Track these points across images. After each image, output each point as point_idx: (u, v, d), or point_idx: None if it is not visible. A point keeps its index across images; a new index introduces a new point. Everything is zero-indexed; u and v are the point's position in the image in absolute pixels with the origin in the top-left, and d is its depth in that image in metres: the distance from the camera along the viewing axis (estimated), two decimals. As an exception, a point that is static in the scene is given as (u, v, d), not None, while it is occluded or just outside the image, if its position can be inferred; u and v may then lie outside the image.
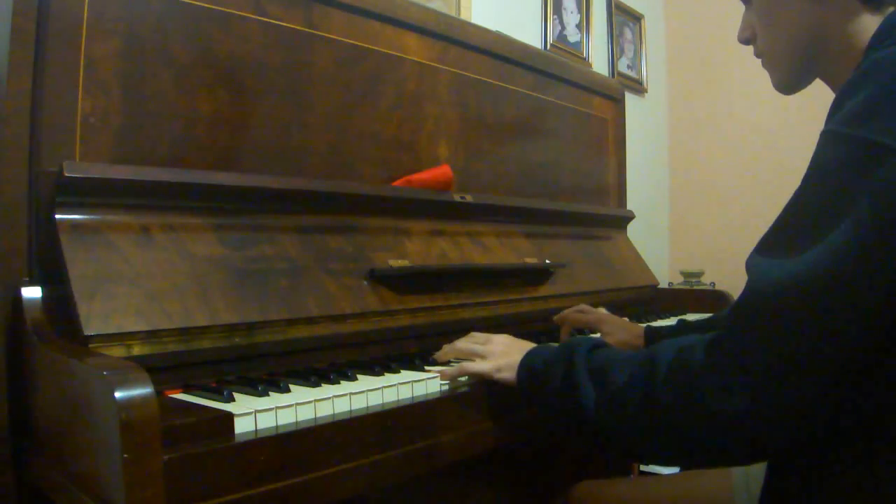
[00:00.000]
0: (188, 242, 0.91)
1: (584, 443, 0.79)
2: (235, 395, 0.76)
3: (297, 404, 0.73)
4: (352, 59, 1.21)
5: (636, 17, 3.08)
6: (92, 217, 0.84)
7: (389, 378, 0.87)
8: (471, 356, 0.93)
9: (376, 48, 1.25)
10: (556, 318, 1.34)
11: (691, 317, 1.44)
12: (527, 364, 0.86)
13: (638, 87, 3.07)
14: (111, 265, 0.82)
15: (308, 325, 0.97)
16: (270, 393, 0.77)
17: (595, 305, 1.37)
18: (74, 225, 0.83)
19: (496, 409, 0.92)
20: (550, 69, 1.68)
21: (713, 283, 2.89)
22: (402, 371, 0.92)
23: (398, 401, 0.83)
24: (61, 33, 0.86)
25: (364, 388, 0.81)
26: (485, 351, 0.92)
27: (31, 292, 0.81)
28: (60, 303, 0.79)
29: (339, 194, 1.12)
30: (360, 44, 1.22)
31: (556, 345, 0.86)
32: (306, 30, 1.14)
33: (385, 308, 1.08)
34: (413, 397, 0.85)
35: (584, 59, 2.68)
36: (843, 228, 0.60)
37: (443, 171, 1.32)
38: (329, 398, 0.76)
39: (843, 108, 0.64)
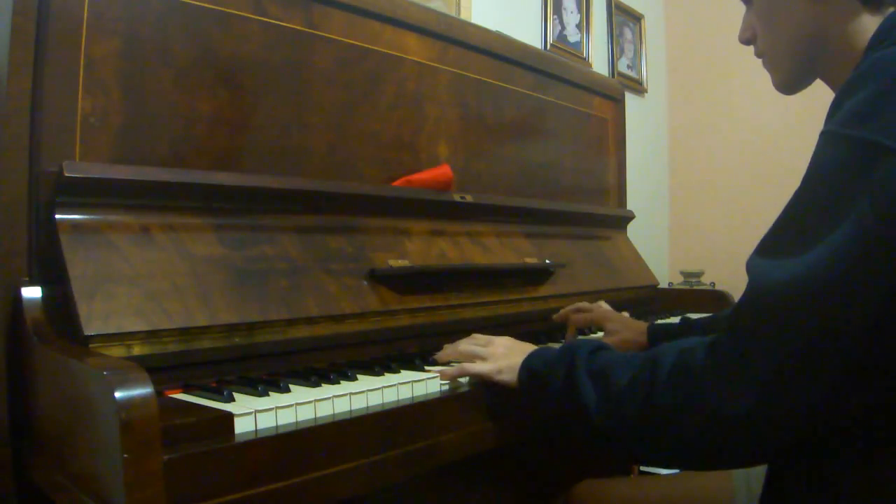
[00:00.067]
0: (188, 242, 0.91)
1: (586, 444, 0.79)
2: (235, 395, 0.76)
3: (297, 404, 0.73)
4: (352, 59, 1.21)
5: (636, 17, 3.08)
6: (92, 217, 0.84)
7: (389, 378, 0.87)
8: (472, 358, 0.93)
9: (376, 48, 1.25)
10: (555, 317, 1.34)
11: (693, 316, 1.44)
12: (528, 366, 0.86)
13: (638, 87, 3.07)
14: (111, 265, 0.82)
15: (308, 325, 0.97)
16: (270, 393, 0.77)
17: (594, 302, 1.37)
18: (74, 225, 0.83)
19: (496, 409, 0.92)
20: (550, 69, 1.68)
21: (713, 283, 2.89)
22: (402, 371, 0.92)
23: (398, 401, 0.83)
24: (61, 33, 0.86)
25: (364, 388, 0.81)
26: (486, 353, 0.92)
27: (31, 292, 0.81)
28: (60, 303, 0.79)
29: (338, 194, 1.12)
30: (360, 44, 1.22)
31: (557, 346, 0.86)
32: (306, 30, 1.14)
33: (385, 308, 1.08)
34: (413, 397, 0.85)
35: (584, 59, 2.68)
36: (843, 229, 0.59)
37: (443, 171, 1.32)
38: (329, 398, 0.76)
39: (842, 109, 0.64)
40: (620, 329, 1.25)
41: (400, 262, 1.13)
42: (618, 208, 1.93)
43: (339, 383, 0.84)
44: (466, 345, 0.97)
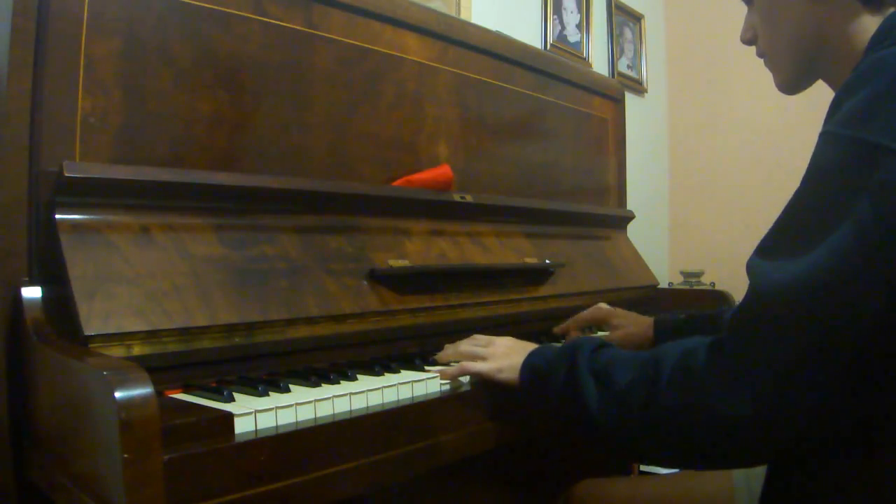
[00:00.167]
0: (188, 242, 0.91)
1: (586, 442, 0.79)
2: (235, 395, 0.76)
3: (297, 404, 0.73)
4: (352, 59, 1.21)
5: (636, 17, 3.08)
6: (92, 217, 0.84)
7: (389, 378, 0.87)
8: (472, 357, 0.93)
9: (376, 48, 1.25)
10: (556, 330, 1.34)
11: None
12: (529, 364, 0.86)
13: (638, 87, 3.07)
14: (111, 265, 0.82)
15: (308, 325, 0.97)
16: (270, 393, 0.77)
17: (594, 303, 1.37)
18: (74, 225, 0.83)
19: (496, 409, 0.92)
20: (550, 69, 1.68)
21: (713, 283, 2.89)
22: (402, 371, 0.92)
23: (398, 401, 0.83)
24: (61, 33, 0.86)
25: (364, 388, 0.81)
26: (486, 353, 0.92)
27: (31, 292, 0.81)
28: (60, 303, 0.79)
29: (339, 194, 1.12)
30: (360, 44, 1.22)
31: (559, 345, 0.86)
32: (306, 30, 1.14)
33: (385, 308, 1.08)
34: (413, 397, 0.85)
35: (584, 59, 2.68)
36: (843, 230, 0.59)
37: (443, 171, 1.32)
38: (329, 398, 0.76)
39: (841, 109, 0.64)
40: (626, 324, 1.26)
41: (400, 262, 1.13)
42: (618, 208, 1.93)
43: (339, 383, 0.84)
44: (467, 345, 0.97)
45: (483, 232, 1.37)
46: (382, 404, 0.81)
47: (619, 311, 1.31)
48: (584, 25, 2.70)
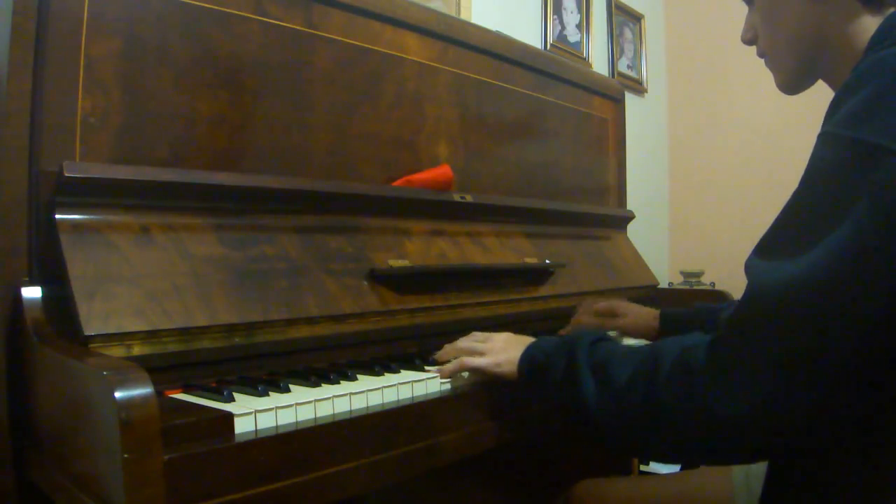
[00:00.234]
0: (188, 242, 0.91)
1: (584, 436, 0.79)
2: (235, 395, 0.76)
3: (297, 404, 0.73)
4: (352, 59, 1.21)
5: (636, 17, 3.08)
6: (92, 217, 0.84)
7: (389, 378, 0.87)
8: (471, 353, 0.93)
9: (376, 48, 1.25)
10: (561, 333, 1.34)
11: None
12: (528, 356, 0.86)
13: (638, 87, 3.07)
14: (111, 265, 0.82)
15: (308, 325, 0.97)
16: (270, 393, 0.77)
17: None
18: (74, 225, 0.83)
19: (496, 408, 0.92)
20: (550, 69, 1.68)
21: (713, 283, 2.89)
22: (402, 371, 0.92)
23: (398, 401, 0.83)
24: (61, 33, 0.86)
25: (364, 388, 0.81)
26: (484, 348, 0.93)
27: (31, 292, 0.81)
28: (60, 303, 0.79)
29: (339, 194, 1.12)
30: (360, 44, 1.22)
31: (557, 338, 0.87)
32: (306, 30, 1.14)
33: (385, 308, 1.08)
34: (413, 397, 0.85)
35: (584, 59, 2.68)
36: (842, 230, 0.60)
37: (443, 171, 1.32)
38: (329, 398, 0.76)
39: (841, 109, 0.64)
40: (632, 313, 1.30)
41: (400, 262, 1.13)
42: (618, 208, 1.93)
43: (339, 383, 0.84)
44: (466, 342, 0.97)
45: (483, 232, 1.37)
46: (382, 404, 0.81)
47: (626, 302, 1.35)
48: (584, 25, 2.70)
